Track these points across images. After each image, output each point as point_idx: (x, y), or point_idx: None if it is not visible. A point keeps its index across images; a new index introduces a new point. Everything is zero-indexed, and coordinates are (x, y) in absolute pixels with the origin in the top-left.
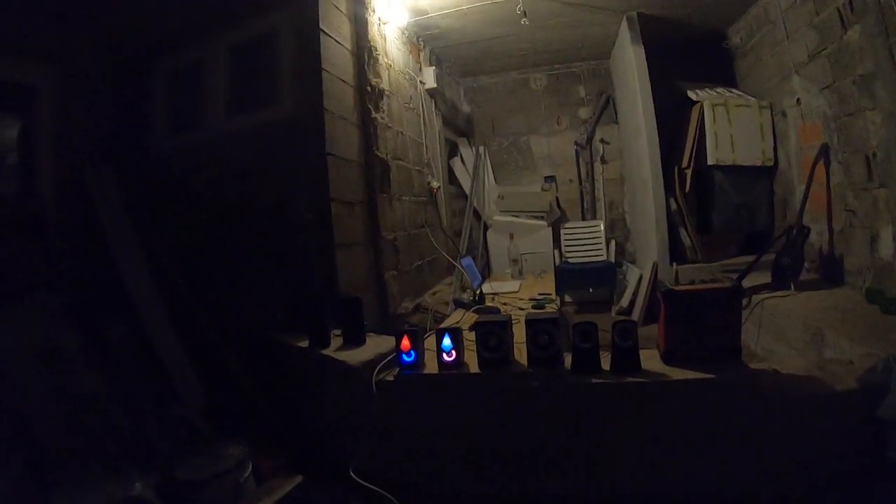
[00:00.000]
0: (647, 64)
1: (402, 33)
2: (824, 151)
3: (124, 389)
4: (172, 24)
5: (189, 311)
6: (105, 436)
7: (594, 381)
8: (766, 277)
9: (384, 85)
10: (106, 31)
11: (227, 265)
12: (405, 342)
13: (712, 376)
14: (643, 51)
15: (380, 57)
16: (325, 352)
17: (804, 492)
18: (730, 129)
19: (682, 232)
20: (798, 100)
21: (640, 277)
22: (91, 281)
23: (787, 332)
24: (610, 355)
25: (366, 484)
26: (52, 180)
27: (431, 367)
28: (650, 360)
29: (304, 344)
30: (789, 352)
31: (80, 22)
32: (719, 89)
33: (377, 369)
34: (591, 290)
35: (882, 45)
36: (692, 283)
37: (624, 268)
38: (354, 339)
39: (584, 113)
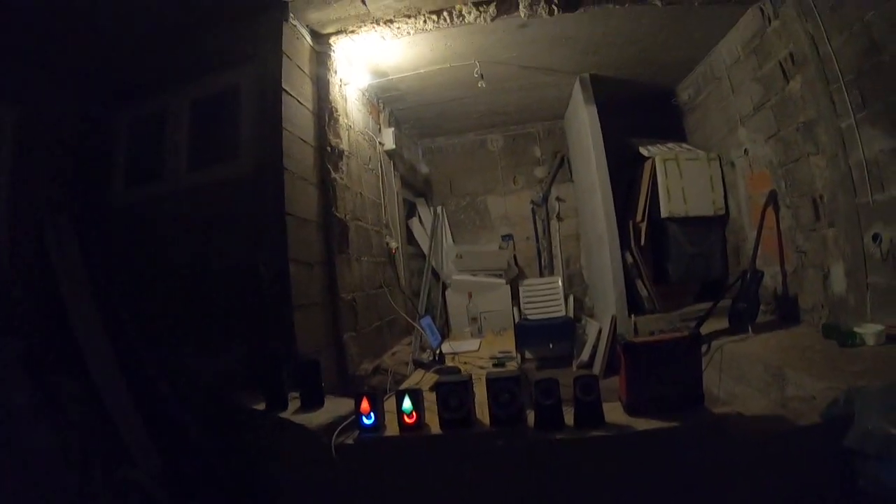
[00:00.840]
0: (600, 122)
1: (363, 94)
2: (773, 197)
3: (73, 448)
4: (137, 75)
5: (144, 369)
6: (50, 496)
7: (558, 437)
8: (724, 323)
9: (344, 145)
10: (71, 78)
11: (185, 323)
12: (364, 404)
13: (676, 424)
14: (596, 110)
15: (340, 118)
16: (283, 415)
17: None
18: (681, 182)
19: (639, 284)
20: (745, 150)
21: (600, 331)
22: (43, 332)
23: (748, 375)
24: (573, 410)
25: None
26: (7, 226)
27: (392, 429)
28: (613, 412)
29: (262, 406)
30: (752, 393)
31: (44, 67)
32: (670, 144)
33: (336, 433)
34: (551, 346)
35: (823, 92)
36: (651, 333)
37: (583, 322)
38: (313, 401)
39: (539, 172)
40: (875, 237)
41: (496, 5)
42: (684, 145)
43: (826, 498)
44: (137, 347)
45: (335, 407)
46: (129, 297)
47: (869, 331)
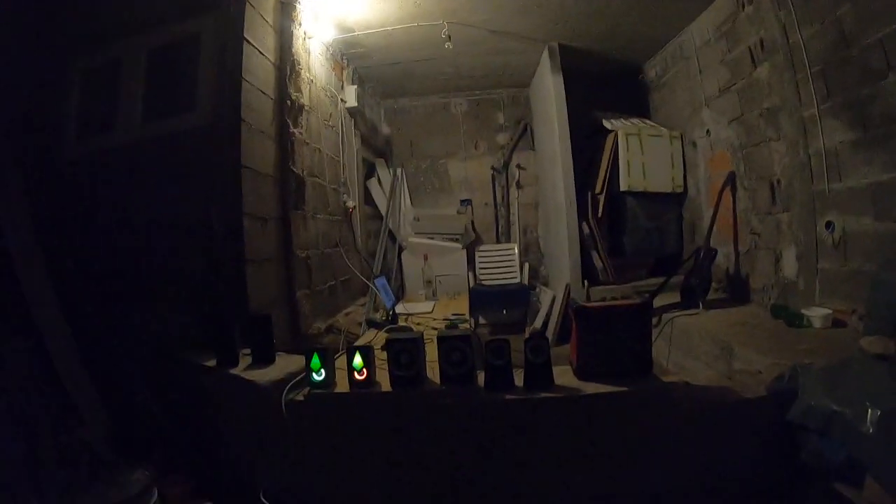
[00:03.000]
0: (566, 93)
1: (327, 49)
2: (731, 179)
3: (19, 410)
4: (92, 20)
5: (94, 328)
6: None
7: (507, 397)
8: (675, 297)
9: (304, 100)
10: (21, 22)
11: (136, 279)
12: (315, 360)
13: (625, 389)
14: (562, 80)
15: (302, 71)
16: (234, 371)
17: (724, 500)
18: (642, 157)
19: (595, 255)
20: (708, 131)
21: (554, 299)
22: None
23: (696, 348)
24: (523, 372)
25: None
26: None
27: (343, 386)
28: (563, 375)
29: (212, 363)
30: (700, 366)
31: None
32: (633, 119)
33: (287, 389)
34: (504, 312)
35: (789, 80)
36: (603, 300)
37: (538, 290)
38: (264, 358)
39: (502, 139)
40: (828, 225)
41: None
42: (648, 121)
43: (769, 469)
44: (86, 304)
45: (286, 364)
46: (79, 253)
47: (816, 314)
